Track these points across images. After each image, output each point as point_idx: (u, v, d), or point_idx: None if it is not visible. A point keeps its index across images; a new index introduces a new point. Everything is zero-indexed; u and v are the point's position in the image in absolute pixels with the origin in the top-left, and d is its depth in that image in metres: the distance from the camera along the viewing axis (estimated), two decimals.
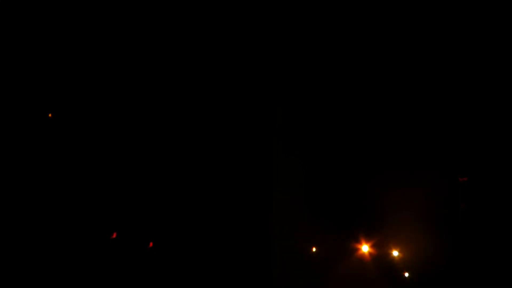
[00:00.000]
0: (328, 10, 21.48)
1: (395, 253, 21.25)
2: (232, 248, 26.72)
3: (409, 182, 21.14)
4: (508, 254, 20.48)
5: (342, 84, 22.38)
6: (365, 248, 21.54)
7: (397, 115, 22.93)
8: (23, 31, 20.37)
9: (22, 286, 21.91)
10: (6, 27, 20.10)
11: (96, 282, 23.60)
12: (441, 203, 20.98)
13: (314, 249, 24.23)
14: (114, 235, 23.97)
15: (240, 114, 23.78)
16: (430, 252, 21.44)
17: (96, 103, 22.77)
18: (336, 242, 24.25)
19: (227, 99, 23.73)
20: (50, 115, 21.44)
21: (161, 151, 25.54)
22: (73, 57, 21.12)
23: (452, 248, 21.35)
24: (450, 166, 20.16)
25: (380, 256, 23.07)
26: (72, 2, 20.55)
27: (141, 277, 24.84)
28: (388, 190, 21.80)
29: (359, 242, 22.39)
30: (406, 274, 23.39)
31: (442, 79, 21.12)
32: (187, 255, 26.41)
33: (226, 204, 25.27)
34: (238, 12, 21.76)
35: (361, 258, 23.30)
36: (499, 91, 19.72)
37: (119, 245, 24.43)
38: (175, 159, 25.93)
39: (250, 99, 23.81)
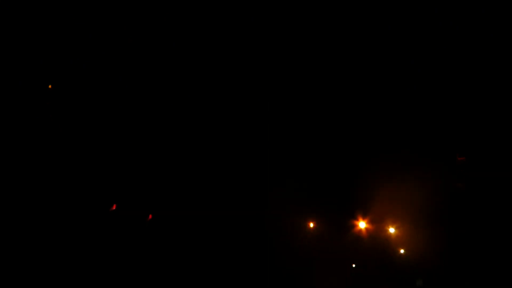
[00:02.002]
0: (326, 11, 27.02)
1: (392, 230, 27.80)
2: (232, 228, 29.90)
3: (406, 164, 27.50)
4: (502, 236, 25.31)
5: (342, 83, 28.31)
6: (362, 224, 27.82)
7: (394, 97, 27.89)
8: (23, 31, 18.36)
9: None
10: (6, 27, 18.16)
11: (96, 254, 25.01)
12: (439, 186, 25.90)
13: (311, 225, 28.80)
14: (114, 207, 24.66)
15: (238, 113, 28.29)
16: (427, 235, 27.76)
17: (96, 102, 22.09)
18: (333, 219, 28.43)
19: (224, 100, 28.30)
20: (50, 86, 19.56)
21: (160, 145, 25.50)
22: (73, 57, 19.61)
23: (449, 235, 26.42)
24: (448, 147, 24.78)
25: (376, 233, 29.11)
26: (72, 2, 19.01)
27: (139, 251, 26.60)
28: (387, 171, 28.15)
29: (356, 219, 27.85)
30: (402, 251, 30.38)
31: (435, 68, 25.49)
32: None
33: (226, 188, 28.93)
34: (236, 16, 26.46)
35: (358, 235, 28.23)
36: (495, 77, 24.25)
37: (118, 218, 25.71)
38: (175, 154, 25.80)
39: (246, 100, 28.10)
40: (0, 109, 20.79)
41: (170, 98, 25.97)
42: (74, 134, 23.16)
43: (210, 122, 26.15)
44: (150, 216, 26.76)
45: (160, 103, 25.77)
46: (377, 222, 24.80)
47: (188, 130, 27.30)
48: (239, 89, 24.68)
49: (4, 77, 20.45)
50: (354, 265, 38.59)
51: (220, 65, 23.53)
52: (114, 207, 26.03)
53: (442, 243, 22.91)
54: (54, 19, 19.79)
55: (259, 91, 24.74)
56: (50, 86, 20.75)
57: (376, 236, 26.24)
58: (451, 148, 19.32)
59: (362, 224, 24.44)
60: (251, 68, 23.62)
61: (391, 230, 24.83)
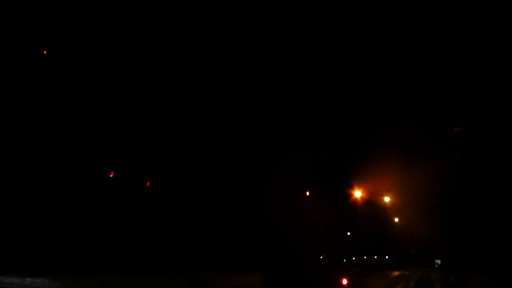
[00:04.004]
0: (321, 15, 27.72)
1: (387, 199, 28.23)
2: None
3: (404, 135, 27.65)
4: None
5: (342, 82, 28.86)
6: (358, 193, 28.10)
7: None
8: (23, 31, 17.32)
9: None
10: (6, 27, 16.99)
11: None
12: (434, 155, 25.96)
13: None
14: (112, 174, 24.36)
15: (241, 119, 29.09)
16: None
17: (97, 103, 21.94)
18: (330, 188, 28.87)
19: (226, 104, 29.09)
20: (45, 52, 18.42)
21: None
22: (73, 57, 19.12)
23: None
24: (446, 117, 24.94)
25: (371, 202, 29.53)
26: (73, 3, 18.44)
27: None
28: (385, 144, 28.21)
29: (352, 188, 28.13)
30: (396, 219, 30.88)
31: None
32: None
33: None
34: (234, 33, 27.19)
35: (353, 204, 28.41)
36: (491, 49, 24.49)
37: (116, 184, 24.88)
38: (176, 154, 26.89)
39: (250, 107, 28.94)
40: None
41: (172, 95, 26.09)
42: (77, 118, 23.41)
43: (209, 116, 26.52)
44: (148, 184, 27.96)
45: (160, 104, 25.92)
46: (372, 191, 25.09)
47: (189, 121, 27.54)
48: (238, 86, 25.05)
49: (4, 77, 20.06)
50: (349, 233, 42.40)
51: (220, 65, 23.62)
52: (112, 174, 26.54)
53: (436, 213, 23.25)
54: (54, 19, 19.26)
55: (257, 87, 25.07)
56: (45, 52, 20.79)
57: (371, 205, 26.58)
58: (448, 122, 19.23)
59: (357, 194, 24.69)
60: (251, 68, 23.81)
61: (386, 199, 25.15)
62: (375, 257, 62.72)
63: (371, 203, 29.04)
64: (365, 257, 64.28)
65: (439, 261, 51.29)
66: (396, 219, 31.91)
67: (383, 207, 29.53)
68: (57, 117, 23.08)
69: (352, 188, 28.21)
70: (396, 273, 42.80)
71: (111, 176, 26.66)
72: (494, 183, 20.17)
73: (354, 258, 58.48)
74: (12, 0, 16.90)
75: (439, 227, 24.23)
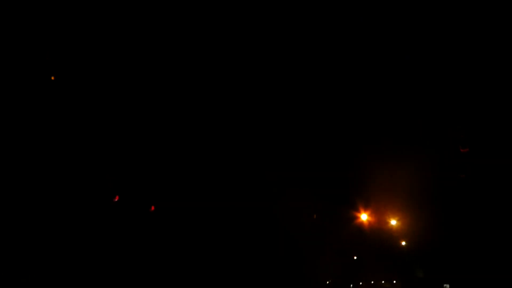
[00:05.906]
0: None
1: (393, 222, 27.80)
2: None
3: (407, 153, 27.63)
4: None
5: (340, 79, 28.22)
6: (364, 217, 27.91)
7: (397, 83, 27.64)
8: (23, 31, 17.60)
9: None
10: (6, 27, 17.20)
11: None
12: (440, 175, 25.76)
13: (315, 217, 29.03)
14: (117, 198, 24.08)
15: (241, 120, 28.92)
16: (426, 224, 27.66)
17: (98, 104, 21.42)
18: (336, 212, 28.56)
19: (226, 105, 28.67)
20: (52, 78, 18.68)
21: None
22: (73, 57, 18.98)
23: (448, 219, 26.37)
24: (452, 138, 24.66)
25: (378, 225, 29.09)
26: (73, 3, 18.44)
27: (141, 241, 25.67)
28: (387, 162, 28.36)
29: (358, 211, 27.98)
30: (403, 243, 30.37)
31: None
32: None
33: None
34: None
35: (360, 227, 28.19)
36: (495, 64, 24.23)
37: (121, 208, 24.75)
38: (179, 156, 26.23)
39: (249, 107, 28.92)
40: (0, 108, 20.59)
41: (173, 95, 26.09)
42: (76, 129, 23.37)
43: (213, 120, 26.38)
44: (153, 208, 28.16)
45: (163, 100, 25.84)
46: (379, 214, 24.78)
47: (192, 126, 27.37)
48: (239, 88, 25.03)
49: (4, 77, 19.87)
50: (355, 257, 42.58)
51: (220, 65, 23.69)
52: (116, 198, 28.08)
53: (442, 234, 22.94)
54: (55, 19, 19.25)
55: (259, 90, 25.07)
56: (52, 78, 20.98)
57: (377, 229, 26.29)
58: (451, 139, 19.11)
59: (364, 217, 24.42)
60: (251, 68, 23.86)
61: (393, 222, 24.88)
62: (383, 281, 66.48)
63: (377, 226, 30.30)
64: (372, 282, 63.84)
65: (447, 286, 51.20)
66: (403, 242, 33.09)
67: (389, 230, 29.12)
68: (59, 135, 23.31)
69: (358, 210, 28.00)
70: None
71: (116, 200, 29.35)
72: (504, 203, 19.90)
73: (361, 283, 58.65)
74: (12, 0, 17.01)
75: (448, 250, 23.92)
